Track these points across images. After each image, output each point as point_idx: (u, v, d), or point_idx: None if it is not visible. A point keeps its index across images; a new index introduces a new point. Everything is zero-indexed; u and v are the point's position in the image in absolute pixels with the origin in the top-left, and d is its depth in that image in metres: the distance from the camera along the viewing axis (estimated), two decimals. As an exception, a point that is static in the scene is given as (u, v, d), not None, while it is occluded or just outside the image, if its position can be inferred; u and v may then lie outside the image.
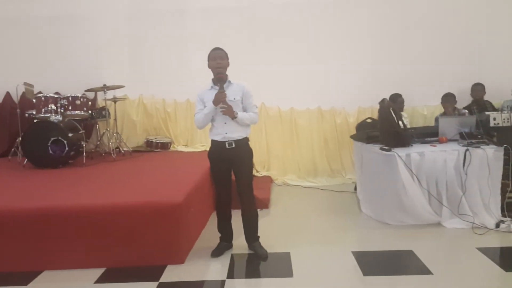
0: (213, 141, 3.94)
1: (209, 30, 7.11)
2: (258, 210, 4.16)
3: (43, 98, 6.06)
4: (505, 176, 4.66)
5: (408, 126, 5.62)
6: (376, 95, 6.03)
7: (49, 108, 6.03)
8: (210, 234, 4.44)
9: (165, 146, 7.21)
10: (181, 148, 7.35)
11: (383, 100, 5.20)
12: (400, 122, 4.92)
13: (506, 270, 3.54)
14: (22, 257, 3.78)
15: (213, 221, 4.56)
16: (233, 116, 3.75)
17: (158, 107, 7.46)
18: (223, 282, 3.52)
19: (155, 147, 7.15)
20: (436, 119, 5.68)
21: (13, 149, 6.56)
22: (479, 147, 4.63)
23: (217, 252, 4.03)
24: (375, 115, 6.26)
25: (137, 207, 3.79)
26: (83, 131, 6.20)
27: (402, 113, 5.99)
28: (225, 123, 3.82)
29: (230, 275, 3.65)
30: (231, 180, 4.02)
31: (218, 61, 3.80)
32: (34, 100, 6.14)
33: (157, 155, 6.81)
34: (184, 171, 5.35)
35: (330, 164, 7.19)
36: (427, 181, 4.63)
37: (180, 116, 7.47)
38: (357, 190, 5.76)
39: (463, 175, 4.57)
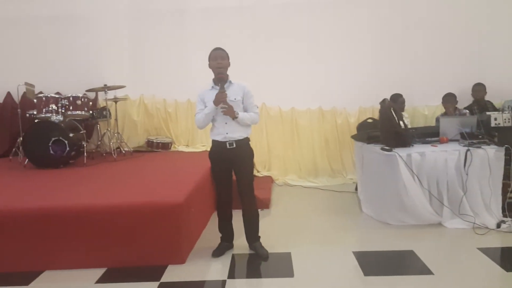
0: (214, 141, 3.94)
1: (210, 30, 7.11)
2: (259, 210, 4.17)
3: (44, 98, 6.07)
4: (506, 176, 4.66)
5: (409, 126, 5.62)
6: (377, 95, 6.02)
7: (50, 108, 6.04)
8: (211, 234, 4.44)
9: (166, 146, 7.21)
10: (182, 148, 7.35)
11: (384, 100, 5.20)
12: (401, 122, 4.92)
13: (507, 270, 3.54)
14: (23, 257, 3.78)
15: (214, 221, 4.56)
16: (233, 116, 3.75)
17: (159, 107, 7.46)
18: (224, 282, 3.52)
19: (156, 147, 7.15)
20: (437, 119, 5.67)
21: (14, 149, 6.57)
22: (480, 147, 4.63)
23: (218, 252, 4.04)
24: (376, 115, 6.26)
25: (138, 207, 3.79)
26: (84, 131, 6.21)
27: (403, 113, 5.98)
28: (226, 123, 3.82)
29: (231, 275, 3.65)
30: (232, 180, 4.02)
31: (218, 61, 3.80)
32: (35, 100, 6.15)
33: (158, 155, 6.81)
34: (185, 171, 5.35)
35: (331, 164, 7.18)
36: (428, 181, 4.63)
37: (181, 116, 7.47)
38: (358, 190, 5.75)
39: (464, 175, 4.57)
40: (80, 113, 6.18)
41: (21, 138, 6.13)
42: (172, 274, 3.66)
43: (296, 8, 7.12)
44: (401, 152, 4.62)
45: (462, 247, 4.07)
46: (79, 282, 3.58)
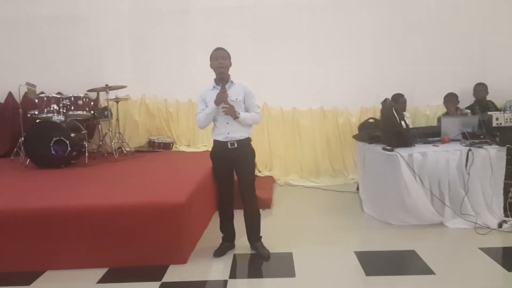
0: (215, 141, 3.94)
1: (211, 30, 7.11)
2: (260, 210, 4.16)
3: (45, 98, 6.06)
4: (507, 176, 4.66)
5: (411, 126, 5.62)
6: (378, 95, 6.02)
7: (51, 108, 6.03)
8: (213, 234, 4.44)
9: (167, 146, 7.21)
10: (183, 148, 7.35)
11: (386, 100, 5.19)
12: (403, 122, 4.92)
13: (509, 270, 3.54)
14: (24, 257, 3.79)
15: (215, 221, 4.56)
16: (235, 116, 3.76)
17: (160, 107, 7.46)
18: (225, 282, 3.52)
19: (157, 147, 7.16)
20: (439, 119, 5.66)
21: (15, 149, 6.58)
22: (481, 147, 4.62)
23: (219, 252, 4.04)
24: (378, 115, 6.25)
25: (140, 208, 3.80)
26: (86, 131, 6.22)
27: (404, 113, 5.98)
28: (227, 123, 3.82)
29: (233, 275, 3.65)
30: (233, 180, 4.02)
31: (220, 61, 3.80)
32: (36, 100, 6.15)
33: (159, 155, 6.82)
34: (186, 171, 5.35)
35: (332, 164, 7.18)
36: (429, 181, 4.62)
37: (182, 116, 7.47)
38: (360, 190, 5.75)
39: (465, 175, 4.57)
40: (81, 113, 6.18)
41: (22, 138, 6.14)
42: (174, 274, 3.66)
43: (297, 8, 7.12)
44: (403, 152, 4.61)
45: (464, 247, 4.06)
46: (80, 282, 3.58)
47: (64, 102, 6.11)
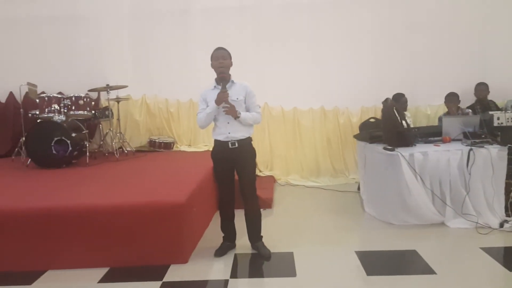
0: (216, 141, 3.93)
1: (212, 30, 7.11)
2: (261, 210, 4.15)
3: (46, 98, 6.07)
4: (509, 176, 4.65)
5: (412, 126, 5.61)
6: (379, 95, 6.02)
7: (53, 108, 6.04)
8: (213, 234, 4.44)
9: (168, 146, 7.22)
10: (184, 148, 7.36)
11: (386, 99, 5.19)
12: (404, 122, 4.91)
13: (510, 270, 3.53)
14: (26, 257, 3.79)
15: (216, 221, 4.56)
16: (235, 115, 3.76)
17: (161, 107, 7.47)
18: (226, 281, 3.51)
19: (158, 147, 7.16)
20: (440, 119, 5.66)
21: (16, 149, 6.58)
22: (483, 147, 4.61)
23: (220, 252, 4.03)
24: (378, 115, 6.26)
25: (141, 207, 3.80)
26: (87, 131, 6.22)
27: (405, 112, 5.99)
28: (228, 122, 3.82)
29: (233, 274, 3.65)
30: (234, 180, 4.02)
31: (220, 61, 3.80)
32: (37, 100, 6.14)
33: (160, 155, 6.82)
34: (187, 171, 5.35)
35: (333, 164, 7.18)
36: (430, 181, 4.62)
37: (183, 116, 7.48)
38: (360, 190, 5.75)
39: (466, 174, 4.56)
40: (82, 113, 6.19)
41: (23, 138, 6.13)
42: (175, 273, 3.66)
43: (299, 8, 7.12)
44: (404, 151, 4.61)
45: (465, 247, 4.06)
46: (82, 282, 3.59)
47: (65, 102, 6.12)
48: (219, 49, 3.86)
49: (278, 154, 7.25)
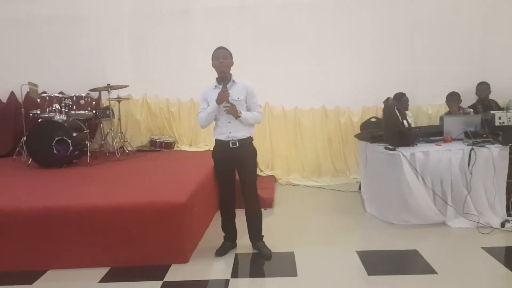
0: (217, 141, 3.93)
1: (213, 29, 7.10)
2: (262, 209, 4.15)
3: (47, 98, 6.07)
4: (510, 175, 4.64)
5: (413, 125, 5.61)
6: (380, 94, 6.02)
7: (54, 108, 6.04)
8: (214, 233, 4.44)
9: (169, 145, 7.22)
10: (185, 147, 7.36)
11: (388, 99, 5.19)
12: (405, 121, 4.90)
13: (512, 270, 3.53)
14: (26, 256, 3.79)
15: (217, 221, 4.56)
16: (236, 115, 3.75)
17: (162, 106, 7.46)
18: (227, 281, 3.51)
19: (159, 147, 7.16)
20: (441, 118, 5.66)
21: (17, 149, 6.57)
22: (484, 146, 4.61)
23: (221, 252, 4.03)
24: (380, 114, 6.25)
25: (141, 207, 3.79)
26: (87, 131, 6.22)
27: (406, 112, 5.97)
28: (229, 122, 3.82)
29: (234, 274, 3.65)
30: (235, 180, 4.02)
31: (221, 60, 3.79)
32: (38, 100, 6.15)
33: (161, 155, 6.82)
34: (188, 170, 5.35)
35: (334, 163, 7.17)
36: (431, 180, 4.61)
37: (184, 115, 7.48)
38: (362, 190, 5.75)
39: (468, 174, 4.55)
40: (83, 112, 6.19)
41: (24, 138, 6.13)
42: (176, 273, 3.66)
43: (299, 7, 7.10)
44: (405, 151, 4.60)
45: (466, 247, 4.05)
46: (82, 281, 3.59)
47: (66, 102, 6.12)
48: (220, 48, 3.85)
49: (279, 153, 7.25)
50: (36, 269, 3.77)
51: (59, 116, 6.01)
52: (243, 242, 4.18)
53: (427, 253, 3.87)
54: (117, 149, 6.42)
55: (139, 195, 4.12)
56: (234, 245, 4.17)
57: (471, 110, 6.16)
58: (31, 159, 5.91)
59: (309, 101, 7.19)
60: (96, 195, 4.19)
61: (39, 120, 6.10)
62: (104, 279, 3.60)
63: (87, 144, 6.08)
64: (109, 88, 6.44)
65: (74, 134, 5.79)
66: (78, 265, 3.79)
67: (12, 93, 7.33)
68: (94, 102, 6.46)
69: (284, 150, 7.24)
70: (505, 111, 5.07)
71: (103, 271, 3.73)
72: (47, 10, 7.29)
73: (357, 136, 5.95)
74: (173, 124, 7.49)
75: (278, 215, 5.35)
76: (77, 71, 7.19)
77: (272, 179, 6.87)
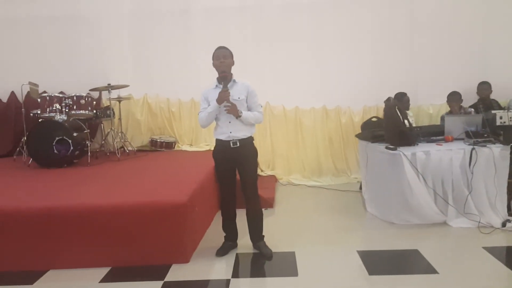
0: (217, 140, 3.93)
1: (213, 29, 7.10)
2: (263, 209, 4.15)
3: (47, 98, 6.07)
4: (511, 175, 4.63)
5: (414, 125, 5.60)
6: (381, 94, 6.01)
7: (54, 108, 6.04)
8: (215, 233, 4.43)
9: (169, 145, 7.21)
10: (185, 147, 7.35)
11: (389, 99, 5.18)
12: (406, 121, 4.90)
13: (513, 270, 3.52)
14: (27, 256, 3.79)
15: (218, 221, 4.56)
16: (237, 114, 3.74)
17: (163, 106, 7.46)
18: (228, 281, 3.51)
19: (160, 147, 7.16)
20: (442, 118, 5.65)
21: (18, 149, 6.57)
22: (485, 146, 4.60)
23: (222, 252, 4.03)
24: (381, 114, 6.25)
25: (142, 207, 3.79)
26: (88, 131, 6.21)
27: (407, 112, 5.97)
28: (230, 122, 3.81)
29: (235, 274, 3.65)
30: (236, 179, 4.02)
31: (221, 60, 3.78)
32: (39, 100, 6.15)
33: (161, 155, 6.81)
34: (188, 170, 5.34)
35: (335, 163, 7.17)
36: (432, 180, 4.61)
37: (184, 115, 7.47)
38: (362, 190, 5.74)
39: (469, 174, 4.55)
40: (84, 112, 6.18)
41: (25, 138, 6.13)
42: (176, 273, 3.66)
43: (299, 7, 7.10)
44: (406, 151, 4.60)
45: (467, 246, 4.05)
46: (83, 281, 3.58)
47: (67, 102, 6.12)
48: (221, 48, 3.84)
49: (279, 153, 7.24)
50: (36, 269, 3.77)
51: (60, 116, 6.01)
52: (244, 242, 4.17)
53: (428, 253, 3.87)
54: (117, 149, 6.41)
55: (139, 195, 4.11)
56: (234, 245, 4.17)
57: (472, 109, 6.15)
58: (31, 159, 5.91)
59: (309, 100, 7.19)
60: (97, 195, 4.19)
61: (39, 120, 6.10)
62: (105, 279, 3.60)
63: (87, 144, 6.07)
64: (109, 88, 6.44)
65: (75, 134, 5.79)
66: (79, 265, 3.79)
67: (12, 93, 7.33)
68: (94, 102, 6.45)
69: (285, 150, 7.23)
70: (506, 110, 5.07)
71: (104, 271, 3.73)
72: (47, 10, 7.28)
73: (358, 135, 5.94)
74: (174, 124, 7.48)
75: (279, 215, 5.34)
76: (77, 71, 7.19)
77: (273, 179, 6.86)
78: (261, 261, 3.91)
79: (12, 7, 7.29)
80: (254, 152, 3.96)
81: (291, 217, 5.24)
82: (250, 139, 3.91)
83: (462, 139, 4.97)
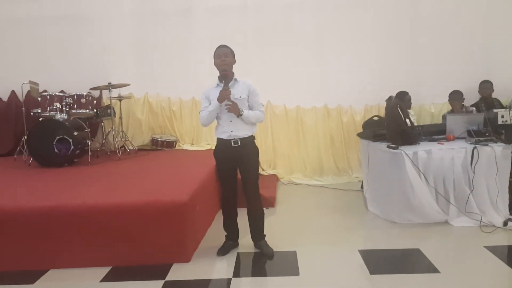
0: (218, 139, 3.92)
1: (215, 28, 7.08)
2: (264, 208, 4.14)
3: (48, 97, 6.08)
4: (513, 174, 4.63)
5: (415, 124, 5.59)
6: (382, 93, 5.98)
7: (54, 107, 6.04)
8: (216, 232, 4.43)
9: (170, 144, 7.21)
10: (186, 146, 7.34)
11: (390, 97, 5.16)
12: (407, 120, 4.89)
13: (515, 269, 3.51)
14: (28, 256, 3.79)
15: (219, 220, 4.55)
16: (238, 113, 3.73)
17: (164, 105, 7.45)
18: (229, 280, 3.50)
19: (161, 146, 7.15)
20: (444, 117, 5.64)
21: (18, 148, 6.57)
22: (487, 145, 4.59)
23: (223, 251, 4.02)
24: (382, 113, 6.22)
25: (143, 206, 3.78)
26: (89, 130, 6.21)
27: (409, 110, 5.96)
28: (231, 121, 3.80)
29: (236, 273, 3.64)
30: (237, 179, 4.01)
31: (222, 59, 3.77)
32: (39, 99, 6.16)
33: (162, 154, 6.81)
34: (189, 169, 5.34)
35: (337, 162, 7.16)
36: (434, 179, 4.60)
37: (185, 114, 7.46)
38: (364, 189, 5.73)
39: (470, 173, 4.54)
40: (84, 111, 6.18)
41: (25, 137, 6.13)
42: (177, 272, 3.65)
43: (301, 6, 7.08)
44: (408, 150, 4.59)
45: (469, 246, 4.04)
46: (84, 281, 3.58)
47: (67, 101, 6.12)
48: (222, 46, 3.83)
49: (281, 152, 7.23)
50: (37, 268, 3.77)
51: (60, 115, 6.01)
52: (245, 241, 4.17)
53: (429, 252, 3.86)
54: (118, 148, 6.41)
55: (140, 194, 4.11)
56: (236, 244, 4.16)
57: (474, 108, 6.15)
58: (32, 158, 5.91)
59: (311, 100, 7.17)
60: (98, 194, 4.18)
61: (40, 119, 6.11)
62: (106, 279, 3.59)
63: (88, 143, 6.07)
64: (110, 86, 6.44)
65: (75, 133, 5.78)
66: (80, 265, 3.79)
67: (13, 92, 7.33)
68: (95, 101, 6.45)
69: (286, 149, 7.22)
70: (508, 109, 5.06)
71: (105, 270, 3.72)
72: (48, 9, 7.28)
73: (359, 135, 5.93)
74: (175, 123, 7.47)
75: (280, 214, 5.34)
76: (78, 69, 7.19)
77: (274, 178, 6.85)
78: (262, 260, 3.90)
79: (13, 7, 7.29)
80: (256, 151, 3.95)
81: (292, 216, 5.23)
82: (252, 138, 3.90)
83: (464, 138, 4.95)
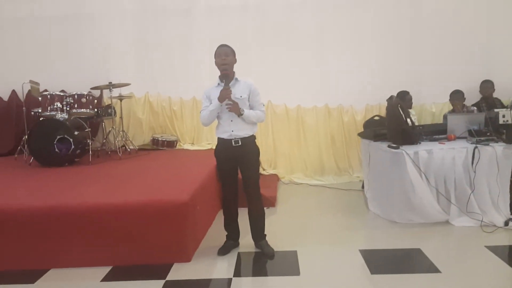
0: (219, 139, 3.91)
1: (216, 28, 7.08)
2: (265, 208, 4.13)
3: (49, 96, 6.08)
4: (514, 174, 4.62)
5: (416, 124, 5.58)
6: (383, 93, 5.99)
7: (55, 106, 6.04)
8: (217, 232, 4.43)
9: (171, 144, 7.20)
10: (187, 146, 7.34)
11: (391, 97, 5.16)
12: (408, 120, 4.88)
13: (516, 269, 3.51)
14: (29, 255, 3.79)
15: (219, 220, 4.55)
16: (239, 113, 3.73)
17: (164, 105, 7.44)
18: (229, 280, 3.50)
19: (161, 145, 7.15)
20: (445, 117, 5.62)
21: (19, 147, 6.57)
22: (488, 145, 4.58)
23: (223, 251, 4.02)
24: (383, 113, 6.21)
25: (144, 206, 3.78)
26: (89, 129, 6.20)
27: (410, 110, 5.95)
28: (232, 120, 3.80)
29: (237, 273, 3.64)
30: (238, 178, 4.00)
31: (223, 58, 3.77)
32: (40, 98, 6.16)
33: (163, 154, 6.80)
34: (190, 169, 5.34)
35: (337, 162, 7.15)
36: (435, 179, 4.59)
37: (186, 114, 7.45)
38: (365, 188, 5.73)
39: (471, 173, 4.53)
40: (85, 111, 6.18)
41: (26, 136, 6.13)
42: (178, 272, 3.65)
43: (302, 5, 7.08)
44: (408, 149, 4.58)
45: (470, 245, 4.03)
46: (85, 280, 3.58)
47: (68, 100, 6.12)
48: (222, 46, 3.83)
49: (282, 152, 7.22)
50: (38, 268, 3.77)
51: (61, 114, 6.01)
52: (246, 241, 4.16)
53: (430, 252, 3.85)
54: (119, 148, 6.41)
55: (141, 194, 4.10)
56: (236, 244, 4.16)
57: (475, 108, 6.14)
58: (32, 158, 5.91)
59: (312, 99, 7.16)
60: (98, 194, 4.18)
61: (40, 119, 6.10)
62: (106, 278, 3.59)
63: (88, 142, 6.07)
64: (110, 86, 6.43)
65: (76, 133, 5.78)
66: (80, 264, 3.79)
67: (13, 92, 7.32)
68: (95, 101, 6.45)
69: (287, 149, 7.21)
70: (509, 109, 5.05)
71: (105, 270, 3.72)
72: (49, 9, 7.27)
73: (360, 134, 5.92)
74: (175, 122, 7.47)
75: (281, 214, 5.33)
76: (78, 69, 7.18)
77: (275, 177, 6.85)
78: (263, 260, 3.90)
79: (14, 6, 7.29)
80: (256, 151, 3.95)
81: (293, 216, 5.23)
82: (252, 137, 3.90)
83: (465, 137, 4.95)
